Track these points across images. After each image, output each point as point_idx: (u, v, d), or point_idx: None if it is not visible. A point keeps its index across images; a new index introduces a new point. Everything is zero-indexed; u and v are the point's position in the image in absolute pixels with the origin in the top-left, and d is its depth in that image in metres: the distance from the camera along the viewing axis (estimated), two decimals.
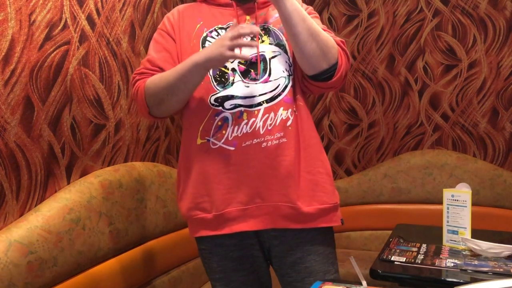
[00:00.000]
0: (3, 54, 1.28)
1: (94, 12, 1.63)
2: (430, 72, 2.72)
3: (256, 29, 1.17)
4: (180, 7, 1.40)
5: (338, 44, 1.27)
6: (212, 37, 1.31)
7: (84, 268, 1.46)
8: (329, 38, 1.25)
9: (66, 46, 1.50)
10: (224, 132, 1.26)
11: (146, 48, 1.94)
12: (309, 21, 1.21)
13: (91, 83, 1.62)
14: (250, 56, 1.22)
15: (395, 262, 1.54)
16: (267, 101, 1.26)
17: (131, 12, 1.84)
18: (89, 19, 1.61)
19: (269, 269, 1.42)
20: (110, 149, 1.72)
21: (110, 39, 1.72)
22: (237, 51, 1.19)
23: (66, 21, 1.50)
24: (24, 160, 1.35)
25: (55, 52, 1.46)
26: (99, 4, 1.66)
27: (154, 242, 1.82)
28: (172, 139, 2.15)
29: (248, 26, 1.17)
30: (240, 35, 1.15)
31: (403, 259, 1.56)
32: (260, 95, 1.26)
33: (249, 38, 1.21)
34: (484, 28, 2.59)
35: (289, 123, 1.27)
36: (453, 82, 2.68)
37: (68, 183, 1.53)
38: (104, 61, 1.69)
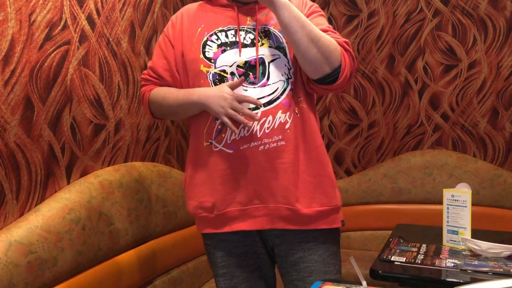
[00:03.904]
0: (3, 54, 1.28)
1: (94, 12, 1.63)
2: (430, 72, 2.72)
3: (260, 102, 1.26)
4: (185, 8, 1.42)
5: (342, 45, 1.26)
6: (212, 41, 1.32)
7: (84, 268, 1.46)
8: (331, 41, 1.24)
9: (66, 46, 1.50)
10: (223, 135, 1.28)
11: (146, 48, 1.94)
12: (309, 27, 1.21)
13: (91, 83, 1.62)
14: (237, 130, 1.25)
15: (395, 262, 1.54)
16: (265, 104, 1.27)
17: (131, 12, 1.84)
18: (89, 19, 1.61)
19: (274, 268, 1.43)
20: (110, 149, 1.72)
21: (110, 39, 1.72)
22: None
23: (66, 21, 1.50)
24: (24, 160, 1.35)
25: (55, 52, 1.46)
26: (99, 4, 1.66)
27: (154, 242, 1.82)
28: (172, 139, 2.15)
29: (255, 99, 1.25)
30: (244, 102, 1.25)
31: (403, 259, 1.56)
32: (258, 98, 1.27)
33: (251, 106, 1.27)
34: (484, 28, 2.59)
35: (287, 126, 1.27)
36: (453, 82, 2.68)
37: (68, 183, 1.53)
38: (104, 61, 1.69)
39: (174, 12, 2.18)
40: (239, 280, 1.37)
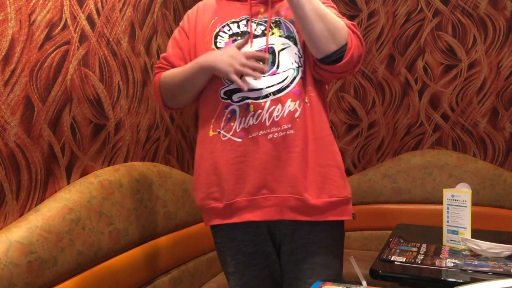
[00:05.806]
0: (3, 54, 1.28)
1: (94, 12, 1.63)
2: (430, 72, 2.72)
3: (267, 55, 1.27)
4: (201, 3, 1.45)
5: (349, 27, 1.25)
6: (224, 31, 1.34)
7: (84, 268, 1.46)
8: (338, 19, 1.24)
9: (66, 46, 1.50)
10: (232, 124, 1.28)
11: (146, 48, 1.94)
12: (316, 3, 1.22)
13: (91, 83, 1.62)
14: (246, 88, 1.25)
15: (395, 262, 1.54)
16: (274, 93, 1.27)
17: (131, 12, 1.84)
18: (89, 19, 1.61)
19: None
20: (110, 149, 1.72)
21: (110, 39, 1.72)
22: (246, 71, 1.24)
23: (66, 21, 1.50)
24: (24, 160, 1.35)
25: (55, 52, 1.46)
26: (99, 4, 1.66)
27: (154, 242, 1.82)
28: (172, 139, 2.15)
29: (262, 53, 1.27)
30: (252, 58, 1.24)
31: (403, 259, 1.56)
32: (267, 87, 1.27)
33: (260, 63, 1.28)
34: (484, 28, 2.59)
35: (297, 114, 1.27)
36: (453, 82, 2.68)
37: (68, 183, 1.53)
38: (104, 61, 1.69)
39: (174, 12, 2.18)
40: (248, 278, 1.37)
